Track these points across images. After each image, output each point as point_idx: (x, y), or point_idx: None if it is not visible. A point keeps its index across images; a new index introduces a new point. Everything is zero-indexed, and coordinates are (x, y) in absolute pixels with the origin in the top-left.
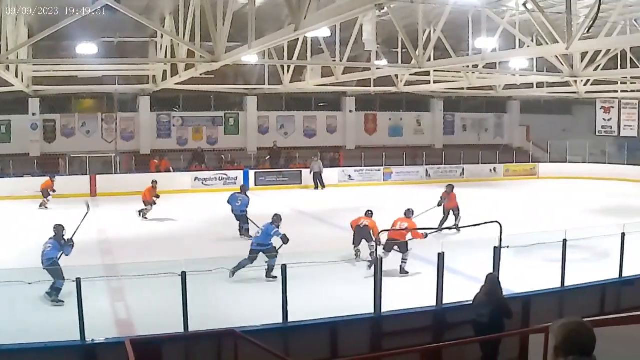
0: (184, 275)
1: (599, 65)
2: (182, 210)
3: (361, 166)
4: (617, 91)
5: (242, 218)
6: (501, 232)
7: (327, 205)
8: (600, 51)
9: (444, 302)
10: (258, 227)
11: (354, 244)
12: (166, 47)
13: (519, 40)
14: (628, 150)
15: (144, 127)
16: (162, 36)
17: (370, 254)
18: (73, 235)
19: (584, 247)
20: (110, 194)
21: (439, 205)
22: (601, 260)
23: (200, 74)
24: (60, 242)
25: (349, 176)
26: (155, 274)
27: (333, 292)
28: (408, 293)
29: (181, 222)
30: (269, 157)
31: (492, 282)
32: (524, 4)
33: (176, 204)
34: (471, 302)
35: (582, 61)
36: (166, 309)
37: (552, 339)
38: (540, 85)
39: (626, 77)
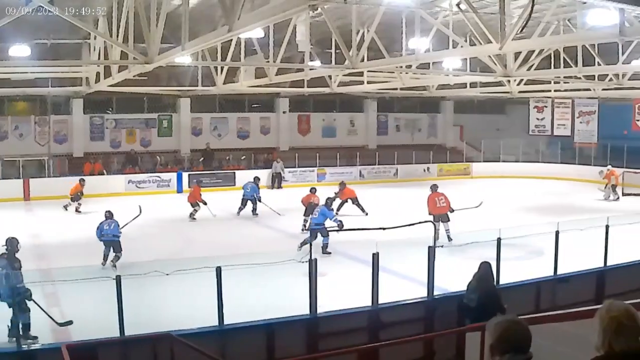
0: (118, 279)
1: (532, 65)
2: (116, 214)
3: (295, 167)
4: (550, 91)
5: (253, 201)
6: (435, 232)
7: (261, 207)
8: (534, 51)
9: (380, 301)
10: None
11: (304, 215)
12: (99, 48)
13: (453, 40)
14: (561, 149)
15: (77, 130)
16: (95, 38)
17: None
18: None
19: (518, 246)
20: (44, 197)
21: None
22: (536, 258)
23: (134, 76)
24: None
25: (283, 177)
26: (91, 278)
27: (269, 293)
28: (343, 293)
29: None
30: (202, 158)
31: (485, 269)
32: (458, 5)
33: (110, 207)
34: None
35: (515, 61)
36: (102, 314)
37: (487, 338)
38: (473, 85)
39: (559, 77)
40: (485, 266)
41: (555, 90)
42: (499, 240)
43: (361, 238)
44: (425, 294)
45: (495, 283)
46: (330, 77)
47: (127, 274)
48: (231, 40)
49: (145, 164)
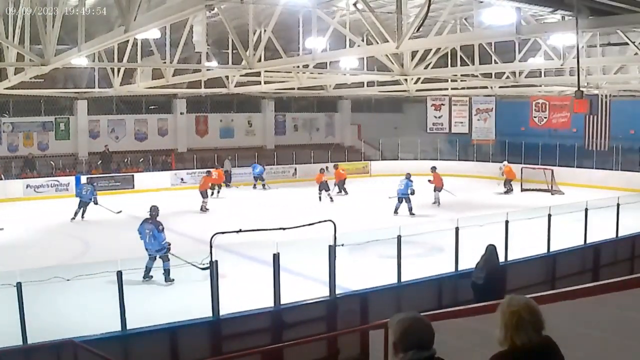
0: (19, 286)
1: (429, 64)
2: (14, 219)
3: (193, 169)
4: (447, 89)
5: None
6: (335, 231)
7: (160, 210)
8: (431, 50)
9: (282, 302)
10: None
11: (319, 190)
12: None
13: (350, 39)
14: (459, 146)
15: None
16: None
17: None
18: None
19: (418, 243)
20: None
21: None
22: (436, 255)
23: (30, 78)
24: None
25: (181, 179)
26: None
27: (171, 296)
28: (245, 294)
29: (14, 231)
30: (100, 161)
31: (491, 251)
32: (355, 4)
33: (8, 213)
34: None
35: (412, 60)
36: (2, 322)
37: (391, 335)
38: (370, 84)
39: (456, 75)
40: (491, 248)
41: (452, 89)
42: (399, 237)
43: (261, 239)
44: (328, 293)
45: (499, 263)
46: (227, 77)
47: (28, 280)
48: (128, 41)
49: (43, 169)
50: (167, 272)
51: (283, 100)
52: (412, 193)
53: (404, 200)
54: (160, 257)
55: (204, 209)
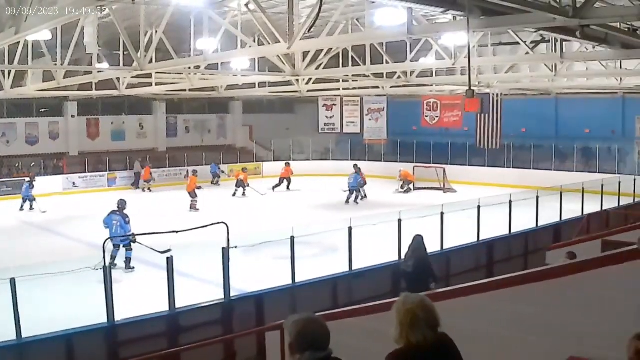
0: None
1: (321, 64)
2: None
3: (85, 172)
4: (339, 89)
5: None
6: (228, 233)
7: (53, 215)
8: (322, 50)
9: (177, 305)
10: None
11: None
12: None
13: (241, 40)
14: (351, 147)
15: None
16: None
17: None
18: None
19: (312, 243)
20: None
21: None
22: (331, 255)
23: None
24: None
25: (73, 183)
26: None
27: (66, 303)
28: (140, 299)
29: None
30: None
31: (418, 241)
32: (246, 5)
33: None
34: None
35: (303, 60)
36: None
37: (286, 336)
38: (262, 85)
39: (348, 75)
40: (418, 238)
41: (344, 89)
42: (292, 238)
43: (154, 242)
44: (223, 296)
45: (427, 253)
46: (118, 79)
47: None
48: (19, 42)
49: None
50: (128, 260)
51: (174, 102)
52: (362, 185)
53: (354, 192)
54: (124, 246)
55: (194, 209)
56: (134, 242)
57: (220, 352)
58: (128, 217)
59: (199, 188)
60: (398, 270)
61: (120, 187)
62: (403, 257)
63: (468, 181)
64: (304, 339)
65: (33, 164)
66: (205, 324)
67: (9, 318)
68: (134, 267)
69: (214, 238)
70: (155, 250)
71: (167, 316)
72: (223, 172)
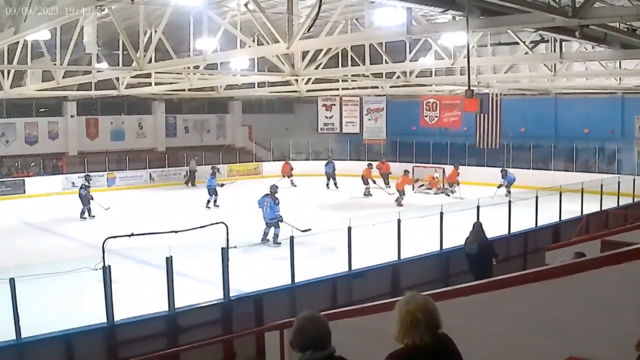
0: None
1: (320, 64)
2: None
3: (84, 172)
4: (338, 89)
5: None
6: (227, 233)
7: (53, 215)
8: (322, 50)
9: (177, 306)
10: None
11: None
12: None
13: (240, 40)
14: (350, 146)
15: None
16: None
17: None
18: None
19: (311, 243)
20: None
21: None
22: (330, 255)
23: None
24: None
25: (73, 183)
26: None
27: (65, 303)
28: (140, 299)
29: None
30: None
31: (478, 227)
32: (245, 4)
33: None
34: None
35: (303, 60)
36: None
37: (287, 335)
38: (261, 85)
39: (347, 75)
40: (478, 224)
41: (343, 89)
42: (291, 238)
43: (154, 242)
44: (222, 296)
45: (486, 236)
46: (117, 79)
47: None
48: (18, 42)
49: None
50: (276, 236)
51: (174, 102)
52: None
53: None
54: (272, 225)
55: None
56: (281, 221)
57: (220, 352)
58: (278, 200)
59: (221, 185)
60: (465, 253)
61: (120, 186)
62: (464, 242)
63: (468, 181)
64: (304, 338)
65: (33, 163)
66: (204, 324)
67: (8, 318)
68: (280, 243)
69: (213, 238)
70: (297, 229)
71: (167, 316)
72: (221, 185)
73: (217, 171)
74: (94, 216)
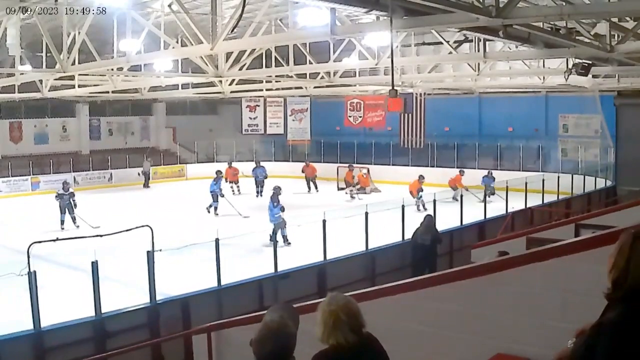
0: None
1: (244, 65)
2: None
3: (8, 177)
4: (262, 90)
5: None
6: (153, 236)
7: None
8: (246, 51)
9: (103, 310)
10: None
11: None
12: None
13: (164, 41)
14: (275, 147)
15: None
16: None
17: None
18: None
19: (237, 245)
20: None
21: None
22: (256, 256)
23: None
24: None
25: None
26: None
27: None
28: (66, 304)
29: None
30: None
31: (429, 220)
32: (169, 5)
33: None
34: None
35: (227, 61)
36: None
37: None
38: (185, 86)
39: (271, 76)
40: (429, 217)
41: (267, 90)
42: (217, 240)
43: (79, 247)
44: (148, 300)
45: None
46: (41, 81)
47: None
48: None
49: None
50: (284, 237)
51: (97, 104)
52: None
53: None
54: (278, 226)
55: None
56: (222, 196)
57: (148, 356)
58: (278, 201)
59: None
60: (414, 244)
61: (44, 190)
62: (412, 234)
63: (392, 180)
64: (262, 351)
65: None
66: (131, 329)
67: None
68: (290, 243)
69: (139, 241)
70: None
71: (93, 321)
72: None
73: (222, 176)
74: (78, 226)
